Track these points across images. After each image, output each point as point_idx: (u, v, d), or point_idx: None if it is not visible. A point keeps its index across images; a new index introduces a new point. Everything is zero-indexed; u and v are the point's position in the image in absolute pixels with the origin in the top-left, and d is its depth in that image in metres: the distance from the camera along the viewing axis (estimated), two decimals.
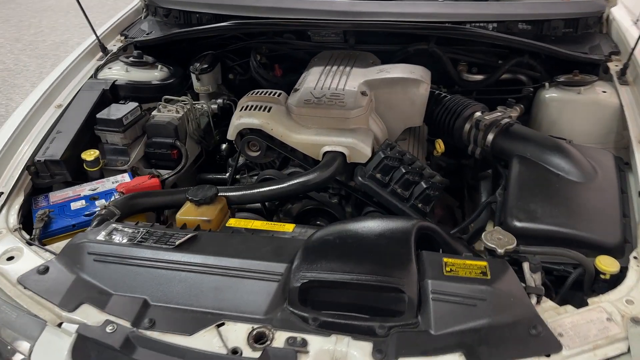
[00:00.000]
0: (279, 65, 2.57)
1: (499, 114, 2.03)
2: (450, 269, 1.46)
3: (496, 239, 1.56)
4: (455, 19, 2.32)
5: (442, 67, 2.48)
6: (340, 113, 2.00)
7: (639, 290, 1.37)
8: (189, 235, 1.55)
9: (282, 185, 1.85)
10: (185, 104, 2.30)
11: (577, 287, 1.51)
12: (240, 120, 2.00)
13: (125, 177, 2.08)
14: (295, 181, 1.85)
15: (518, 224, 1.66)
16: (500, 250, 1.51)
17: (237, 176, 2.21)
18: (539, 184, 1.76)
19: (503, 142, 1.95)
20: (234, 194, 1.86)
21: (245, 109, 2.03)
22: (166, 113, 2.29)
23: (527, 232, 1.65)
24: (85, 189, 2.02)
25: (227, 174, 2.24)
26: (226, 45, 2.61)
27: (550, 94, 2.20)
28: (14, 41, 7.10)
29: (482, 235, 1.56)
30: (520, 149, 1.88)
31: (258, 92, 2.14)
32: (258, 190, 1.86)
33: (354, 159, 1.96)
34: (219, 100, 2.55)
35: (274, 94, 2.11)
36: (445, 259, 1.49)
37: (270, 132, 1.98)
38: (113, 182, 2.05)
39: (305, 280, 1.38)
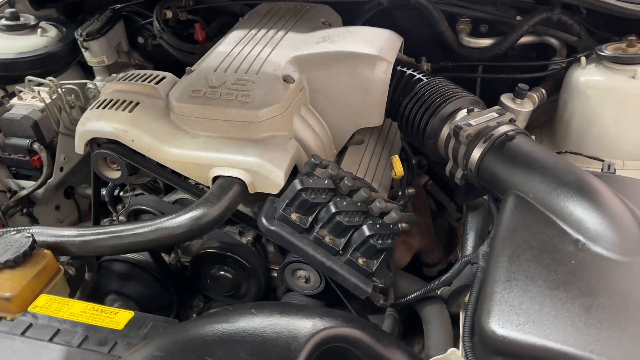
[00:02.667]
0: (201, 26, 1.83)
1: (494, 115, 1.25)
2: None
3: None
4: None
5: (433, 27, 1.69)
6: (241, 114, 1.28)
7: None
8: None
9: (136, 232, 1.18)
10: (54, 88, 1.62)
11: None
12: (86, 126, 1.31)
13: None
14: (156, 226, 1.18)
15: (499, 331, 0.94)
16: None
17: (120, 193, 1.55)
18: (543, 258, 1.01)
19: (494, 165, 1.18)
20: (69, 239, 1.21)
21: (99, 107, 1.34)
22: (29, 101, 1.63)
23: (513, 348, 0.94)
24: None
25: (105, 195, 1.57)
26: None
27: (588, 77, 1.39)
28: None
29: None
30: (519, 183, 1.12)
31: (131, 75, 1.43)
32: (103, 236, 1.20)
33: (261, 188, 1.26)
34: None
35: (151, 80, 1.40)
36: None
37: (131, 144, 1.29)
38: None
39: None
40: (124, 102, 1.33)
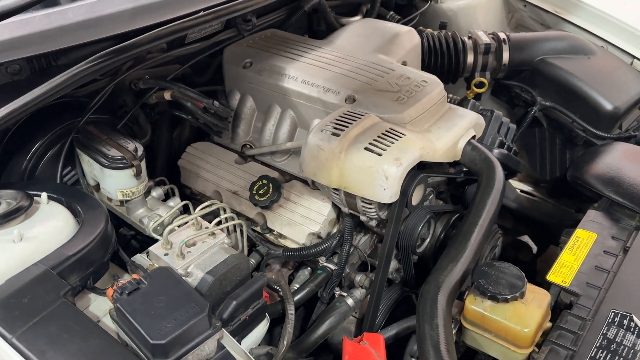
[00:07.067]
0: None
1: (481, 32, 1.93)
2: None
3: None
4: None
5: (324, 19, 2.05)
6: (438, 93, 1.49)
7: None
8: None
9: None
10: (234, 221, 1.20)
11: None
12: (402, 164, 1.23)
13: None
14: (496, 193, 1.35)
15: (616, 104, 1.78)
16: None
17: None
18: (588, 70, 1.86)
19: (517, 54, 1.90)
20: None
21: (375, 147, 1.26)
22: (212, 244, 1.16)
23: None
24: None
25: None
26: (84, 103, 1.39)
27: (447, 5, 2.20)
28: None
29: None
30: (537, 53, 1.90)
31: (339, 123, 1.32)
32: None
33: (478, 134, 1.55)
34: (157, 192, 1.41)
35: (362, 116, 1.35)
36: None
37: (427, 156, 1.32)
38: None
39: None
40: (383, 135, 1.29)
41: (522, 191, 2.14)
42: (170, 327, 0.94)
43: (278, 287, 1.33)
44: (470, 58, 1.90)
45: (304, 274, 1.51)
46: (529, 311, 1.09)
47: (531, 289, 1.14)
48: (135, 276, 1.03)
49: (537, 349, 1.09)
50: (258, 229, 1.50)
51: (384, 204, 1.31)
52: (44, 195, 1.13)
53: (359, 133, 1.30)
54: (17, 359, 0.85)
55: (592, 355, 1.01)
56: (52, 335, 0.90)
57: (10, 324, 0.89)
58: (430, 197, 1.50)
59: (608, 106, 1.77)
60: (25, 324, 0.90)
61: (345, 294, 1.41)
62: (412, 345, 1.38)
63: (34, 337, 0.89)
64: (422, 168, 1.50)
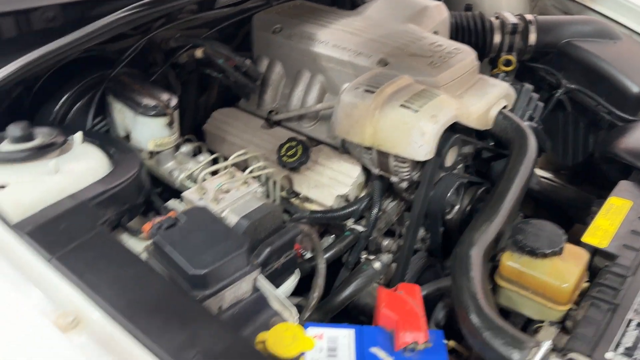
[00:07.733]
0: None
1: (507, 13, 1.93)
2: None
3: None
4: None
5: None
6: (470, 61, 1.49)
7: None
8: None
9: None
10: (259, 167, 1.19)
11: None
12: (438, 121, 1.22)
13: None
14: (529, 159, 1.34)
15: None
16: None
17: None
18: (614, 54, 1.85)
19: (543, 36, 1.90)
20: None
21: (411, 103, 1.24)
22: (246, 192, 1.15)
23: None
24: None
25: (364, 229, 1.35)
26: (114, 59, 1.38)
27: None
28: None
29: None
30: (563, 36, 1.90)
31: (373, 82, 1.31)
32: None
33: (510, 106, 1.54)
34: (186, 148, 1.40)
35: (395, 76, 1.34)
36: None
37: (462, 118, 1.31)
38: None
39: None
40: (418, 94, 1.28)
41: (542, 177, 2.12)
42: (209, 259, 0.92)
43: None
44: (497, 38, 1.90)
45: (328, 241, 1.50)
46: (567, 267, 1.08)
47: (568, 247, 1.12)
48: (172, 214, 1.02)
49: (575, 306, 1.07)
50: (284, 193, 1.48)
51: (417, 163, 1.30)
52: (79, 134, 1.12)
53: (394, 91, 1.29)
54: (56, 279, 0.83)
55: (636, 308, 0.99)
56: (89, 261, 0.88)
57: (49, 246, 0.87)
58: (459, 167, 1.49)
59: (635, 89, 1.76)
60: (63, 248, 0.88)
61: (372, 258, 1.39)
62: (438, 313, 1.36)
63: (72, 260, 0.87)
64: None
